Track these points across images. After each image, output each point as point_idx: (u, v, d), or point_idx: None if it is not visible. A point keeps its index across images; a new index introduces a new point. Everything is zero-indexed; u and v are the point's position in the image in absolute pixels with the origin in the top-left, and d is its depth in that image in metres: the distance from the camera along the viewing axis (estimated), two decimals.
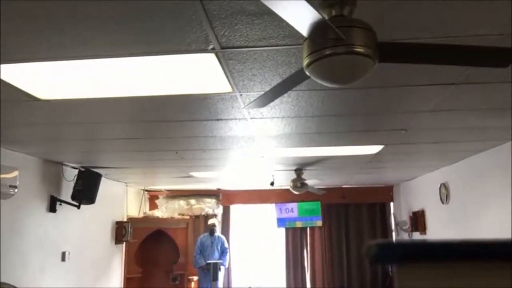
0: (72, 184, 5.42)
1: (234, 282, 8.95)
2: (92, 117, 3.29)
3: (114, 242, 7.18)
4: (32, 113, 3.10)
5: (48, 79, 2.44)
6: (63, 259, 5.44)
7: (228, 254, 8.47)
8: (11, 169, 4.14)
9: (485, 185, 4.98)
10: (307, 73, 1.69)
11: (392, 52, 1.68)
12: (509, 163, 4.40)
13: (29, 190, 4.75)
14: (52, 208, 5.19)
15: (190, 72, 2.38)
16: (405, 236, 8.03)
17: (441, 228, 6.51)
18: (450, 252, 0.44)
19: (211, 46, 2.03)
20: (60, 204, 5.30)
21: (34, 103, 2.77)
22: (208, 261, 7.95)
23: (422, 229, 7.17)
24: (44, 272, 4.97)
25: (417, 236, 7.45)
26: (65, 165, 5.43)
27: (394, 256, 0.45)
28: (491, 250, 0.45)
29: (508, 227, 4.38)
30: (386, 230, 8.96)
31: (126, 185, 7.73)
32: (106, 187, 6.38)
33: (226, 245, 8.46)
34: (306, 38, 1.62)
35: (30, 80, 2.45)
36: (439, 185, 6.31)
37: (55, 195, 5.25)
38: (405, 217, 8.07)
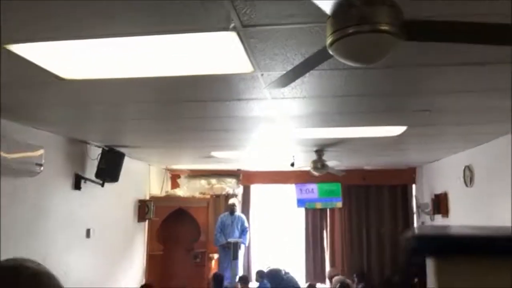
0: (96, 163, 5.52)
1: (253, 261, 9.06)
2: (115, 97, 3.33)
3: (137, 220, 7.34)
4: (57, 93, 3.15)
5: (72, 59, 2.47)
6: (88, 236, 5.59)
7: (248, 233, 8.56)
8: (37, 147, 4.24)
9: (509, 168, 4.86)
10: (330, 52, 1.66)
11: (419, 30, 1.64)
12: None
13: (55, 168, 4.86)
14: (77, 186, 5.31)
15: (211, 52, 2.37)
16: (426, 219, 7.96)
17: (463, 212, 6.41)
18: (492, 246, 0.41)
19: (232, 25, 2.00)
20: (85, 182, 5.42)
21: (59, 82, 2.81)
22: (229, 240, 8.06)
23: (445, 212, 7.08)
24: (70, 248, 5.13)
25: (439, 219, 7.37)
26: (89, 143, 5.53)
27: (433, 249, 0.41)
28: None
29: None
30: (407, 212, 8.89)
31: (149, 164, 7.84)
32: (129, 166, 6.49)
33: (246, 224, 8.56)
34: (329, 16, 1.59)
35: (55, 60, 2.48)
36: (463, 167, 6.19)
37: (80, 173, 5.37)
38: (427, 199, 7.97)
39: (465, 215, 6.26)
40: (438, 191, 7.39)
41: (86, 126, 4.69)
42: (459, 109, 3.72)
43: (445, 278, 0.39)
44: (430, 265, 0.40)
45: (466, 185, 6.14)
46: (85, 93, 3.23)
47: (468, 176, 6.09)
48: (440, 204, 7.22)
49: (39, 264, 1.07)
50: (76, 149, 5.35)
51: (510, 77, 2.81)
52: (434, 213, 7.54)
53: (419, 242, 0.41)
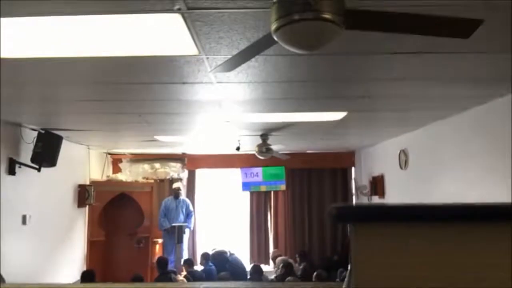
0: (31, 147, 5.26)
1: (199, 244, 9.09)
2: (52, 77, 3.17)
3: (76, 205, 7.10)
4: None
5: (4, 37, 2.32)
6: (24, 222, 5.34)
7: (193, 217, 8.56)
8: None
9: (441, 152, 5.19)
10: (275, 38, 1.69)
11: (359, 20, 1.70)
12: (465, 132, 4.60)
13: None
14: (11, 171, 5.04)
15: (155, 33, 2.32)
16: (364, 200, 8.34)
17: (398, 193, 6.79)
18: (402, 214, 0.49)
19: (177, 6, 1.98)
20: (20, 167, 5.15)
21: None
22: (173, 224, 8.02)
23: (381, 193, 7.46)
24: (4, 236, 4.88)
25: (376, 199, 7.75)
26: (23, 126, 5.25)
27: (351, 217, 0.50)
28: (433, 213, 0.50)
29: (460, 193, 4.62)
30: (347, 194, 9.26)
31: (88, 148, 7.58)
32: (68, 150, 6.24)
33: (191, 208, 8.55)
34: (274, 2, 1.61)
35: None
36: (399, 151, 6.53)
37: (14, 158, 5.10)
38: (365, 181, 8.35)
39: (400, 196, 6.63)
40: (376, 173, 7.76)
41: (20, 108, 4.44)
42: (396, 95, 3.91)
43: (358, 240, 0.47)
44: (350, 230, 0.49)
45: (401, 168, 6.49)
46: (19, 73, 3.05)
47: (403, 159, 6.43)
48: (377, 185, 7.59)
49: None
50: (9, 132, 5.06)
51: (446, 66, 2.99)
52: (371, 194, 7.92)
53: (338, 211, 0.49)
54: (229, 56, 2.34)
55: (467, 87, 3.61)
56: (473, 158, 4.42)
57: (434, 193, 5.34)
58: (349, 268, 0.61)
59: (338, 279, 6.56)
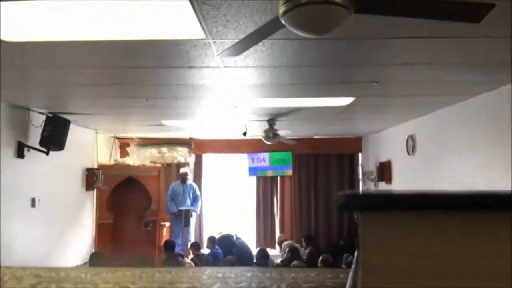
0: (40, 130, 5.30)
1: (205, 228, 9.17)
2: (60, 61, 3.17)
3: (85, 188, 7.17)
4: None
5: (12, 21, 2.32)
6: (33, 205, 5.41)
7: (199, 201, 8.62)
8: None
9: (449, 138, 5.16)
10: (283, 22, 1.67)
11: (368, 3, 1.68)
12: (473, 118, 4.56)
13: None
14: (20, 154, 5.09)
15: (162, 17, 2.30)
16: (371, 186, 8.34)
17: (405, 179, 6.78)
18: (408, 203, 0.50)
19: None
20: (28, 150, 5.20)
21: None
22: (180, 208, 8.09)
23: (388, 179, 7.44)
24: (13, 218, 4.95)
25: (382, 185, 7.74)
26: (32, 110, 5.28)
27: (358, 205, 0.50)
28: (444, 201, 0.50)
29: (468, 179, 4.60)
30: (353, 180, 9.26)
31: (96, 132, 7.62)
32: (76, 134, 6.28)
33: (198, 192, 8.60)
34: None
35: None
36: (406, 137, 6.50)
37: (23, 141, 5.14)
38: (372, 167, 8.34)
39: (407, 182, 6.62)
40: (383, 159, 7.74)
41: (28, 92, 4.46)
42: (405, 81, 3.87)
43: (366, 228, 0.48)
44: (358, 218, 0.49)
45: (409, 154, 6.47)
46: (28, 57, 3.06)
47: (411, 145, 6.40)
48: (384, 171, 7.58)
49: None
50: (18, 116, 5.10)
51: (456, 51, 2.96)
52: (378, 180, 7.91)
53: (345, 199, 0.49)
54: (236, 40, 2.32)
55: (476, 73, 3.56)
56: (481, 145, 4.39)
57: (442, 180, 5.32)
58: (356, 254, 0.62)
59: (343, 264, 6.61)
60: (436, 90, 4.27)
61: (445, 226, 0.48)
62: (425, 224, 0.48)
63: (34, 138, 5.28)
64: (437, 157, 5.54)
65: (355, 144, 9.15)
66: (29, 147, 5.21)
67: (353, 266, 0.59)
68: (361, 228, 0.50)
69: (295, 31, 1.72)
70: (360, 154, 9.28)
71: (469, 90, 4.24)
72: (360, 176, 9.13)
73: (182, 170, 8.53)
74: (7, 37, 2.55)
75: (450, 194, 0.50)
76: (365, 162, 8.90)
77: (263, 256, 7.43)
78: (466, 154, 4.73)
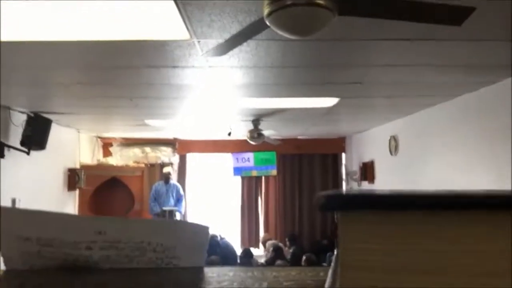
0: (21, 130, 5.21)
1: None
2: (42, 60, 3.12)
3: (67, 189, 7.08)
4: None
5: None
6: (13, 206, 5.31)
7: (183, 201, 8.58)
8: None
9: (431, 138, 5.24)
10: (267, 23, 1.68)
11: (352, 6, 1.69)
12: (454, 119, 4.64)
13: None
14: (0, 154, 5.00)
15: (146, 17, 2.29)
16: (354, 185, 8.41)
17: (388, 178, 6.86)
18: (389, 202, 0.51)
19: None
20: (9, 150, 5.11)
21: None
22: (164, 208, 8.04)
23: (371, 178, 7.52)
24: None
25: (365, 185, 7.82)
26: (12, 109, 5.19)
27: (337, 205, 0.52)
28: (423, 201, 0.52)
29: (450, 179, 4.68)
30: (337, 179, 9.34)
31: (78, 132, 7.52)
32: (57, 133, 6.19)
33: (181, 192, 8.56)
34: None
35: None
36: (389, 137, 6.57)
37: (3, 141, 5.04)
38: (355, 167, 8.41)
39: (390, 181, 6.70)
40: (366, 159, 7.82)
41: (9, 91, 4.37)
42: (388, 82, 3.92)
43: (345, 227, 0.50)
44: (338, 218, 0.52)
45: (391, 154, 6.55)
46: (7, 56, 3.00)
47: (393, 145, 6.48)
48: (367, 171, 7.66)
49: None
50: None
51: (438, 53, 3.00)
52: (361, 180, 7.99)
53: (325, 200, 0.51)
54: (221, 40, 2.32)
55: (458, 74, 3.62)
56: (462, 145, 4.47)
57: (424, 179, 5.40)
58: (335, 253, 0.63)
59: (325, 263, 6.66)
60: (418, 92, 4.33)
61: (424, 225, 0.50)
62: (403, 223, 0.50)
63: (15, 138, 5.19)
64: (419, 157, 5.62)
65: (338, 144, 9.22)
66: (10, 146, 5.12)
67: (332, 264, 0.61)
68: (340, 228, 0.52)
69: (279, 32, 1.73)
70: (343, 154, 9.36)
71: (451, 91, 4.32)
72: (344, 176, 9.21)
73: (165, 170, 8.49)
74: None
75: (428, 193, 0.53)
76: (349, 162, 8.98)
77: (247, 256, 7.44)
78: (447, 154, 4.81)
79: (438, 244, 0.47)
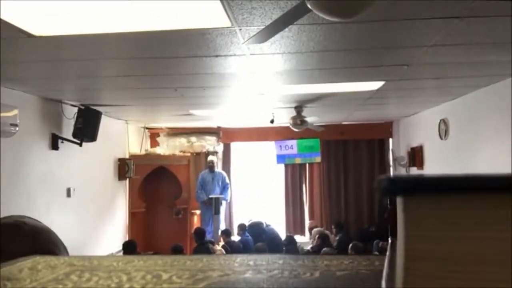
0: (72, 122, 5.44)
1: (235, 216, 9.26)
2: (89, 53, 3.23)
3: (117, 178, 7.34)
4: (27, 50, 3.05)
5: (43, 15, 2.37)
6: (68, 195, 5.59)
7: (229, 189, 8.69)
8: (11, 108, 4.13)
9: (483, 121, 5.00)
10: (309, 6, 1.65)
11: None
12: (508, 100, 4.39)
13: (30, 128, 4.78)
14: (54, 146, 5.25)
15: (187, 6, 2.30)
16: (402, 171, 8.19)
17: (438, 164, 6.62)
18: (454, 186, 0.47)
19: None
20: (62, 142, 5.35)
21: (29, 39, 2.71)
22: (210, 196, 8.18)
23: (420, 164, 7.30)
24: (50, 208, 5.13)
25: (414, 171, 7.60)
26: (64, 103, 5.42)
27: (401, 189, 0.49)
28: (490, 183, 0.48)
29: (504, 163, 4.45)
30: (384, 165, 9.12)
31: (127, 123, 7.76)
32: (107, 125, 6.41)
33: (227, 180, 8.67)
34: None
35: (24, 16, 2.38)
36: (439, 121, 6.33)
37: (56, 133, 5.29)
38: (403, 153, 8.18)
39: (440, 167, 6.47)
40: (414, 144, 7.58)
41: (60, 85, 4.57)
42: (436, 63, 3.76)
43: (410, 213, 0.46)
44: (399, 203, 0.47)
45: (441, 138, 6.31)
46: (58, 50, 3.13)
47: (443, 129, 6.24)
48: (416, 156, 7.43)
49: (36, 220, 1.09)
50: (51, 108, 5.24)
51: (486, 32, 2.84)
52: (409, 166, 7.76)
53: (388, 182, 0.47)
54: (262, 27, 2.30)
55: (509, 53, 3.42)
56: None
57: (476, 164, 5.17)
58: (390, 241, 0.60)
59: (375, 251, 6.55)
60: (468, 72, 4.13)
61: (498, 210, 0.46)
62: (474, 208, 0.46)
63: (68, 130, 5.43)
64: (470, 141, 5.38)
65: (385, 129, 8.99)
66: (63, 139, 5.36)
67: (388, 253, 0.57)
68: (403, 214, 0.48)
69: (321, 15, 1.69)
70: (390, 139, 9.12)
71: (503, 71, 4.08)
72: (391, 162, 8.98)
73: (209, 159, 8.61)
74: (38, 31, 2.61)
75: (504, 175, 0.47)
76: (396, 147, 8.74)
77: (291, 243, 7.45)
78: (500, 137, 4.57)
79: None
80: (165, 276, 0.68)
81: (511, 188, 0.44)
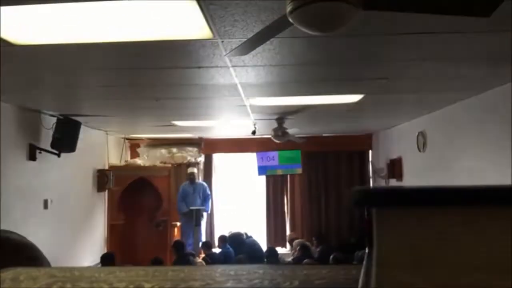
0: (51, 133, 5.36)
1: (216, 227, 9.20)
2: (68, 63, 3.20)
3: (96, 189, 7.24)
4: (6, 59, 3.00)
5: (22, 24, 2.35)
6: (45, 207, 5.47)
7: (210, 200, 8.65)
8: None
9: (461, 134, 5.11)
10: (290, 20, 1.67)
11: (375, 0, 1.67)
12: (485, 113, 4.51)
13: (7, 139, 4.68)
14: (32, 157, 5.15)
15: (170, 17, 2.31)
16: (381, 183, 8.29)
17: (416, 175, 6.73)
18: (424, 197, 0.49)
19: None
20: (40, 153, 5.26)
21: (8, 48, 2.68)
22: (191, 208, 8.12)
23: (399, 176, 7.40)
24: (27, 220, 5.01)
25: (393, 182, 7.69)
26: (43, 113, 5.34)
27: (373, 201, 0.50)
28: (460, 195, 0.49)
29: (481, 176, 4.56)
30: (364, 177, 9.21)
31: (107, 134, 7.68)
32: (86, 136, 6.33)
33: (208, 191, 8.63)
34: None
35: (3, 25, 2.35)
36: (417, 133, 6.45)
37: (34, 144, 5.20)
38: (382, 164, 8.29)
39: (418, 179, 6.57)
40: (393, 156, 7.69)
41: (39, 94, 4.51)
42: (415, 77, 3.84)
43: (382, 223, 0.48)
44: (373, 214, 0.49)
45: (420, 150, 6.42)
46: (37, 60, 3.09)
47: (422, 141, 6.35)
48: (395, 168, 7.53)
49: (22, 236, 1.08)
50: (29, 118, 5.16)
51: (466, 46, 2.93)
52: (389, 177, 7.86)
53: (361, 195, 0.49)
54: (244, 39, 2.33)
55: (487, 67, 3.52)
56: (493, 140, 4.34)
57: (454, 176, 5.27)
58: (366, 251, 0.61)
59: (355, 261, 6.58)
60: (446, 86, 4.24)
61: (461, 220, 0.48)
62: (442, 219, 0.48)
63: (46, 141, 5.34)
64: (448, 153, 5.49)
65: (365, 141, 9.10)
66: (41, 149, 5.27)
67: (364, 262, 0.59)
68: (376, 224, 0.49)
69: (302, 29, 1.72)
70: (370, 151, 9.23)
71: (480, 85, 4.20)
72: (371, 173, 9.08)
73: (189, 170, 8.56)
74: (17, 39, 2.58)
75: (469, 188, 0.49)
76: (375, 159, 8.85)
77: (272, 255, 7.43)
78: (478, 149, 4.68)
79: (479, 240, 0.45)
80: (147, 285, 0.68)
81: (479, 199, 0.46)
